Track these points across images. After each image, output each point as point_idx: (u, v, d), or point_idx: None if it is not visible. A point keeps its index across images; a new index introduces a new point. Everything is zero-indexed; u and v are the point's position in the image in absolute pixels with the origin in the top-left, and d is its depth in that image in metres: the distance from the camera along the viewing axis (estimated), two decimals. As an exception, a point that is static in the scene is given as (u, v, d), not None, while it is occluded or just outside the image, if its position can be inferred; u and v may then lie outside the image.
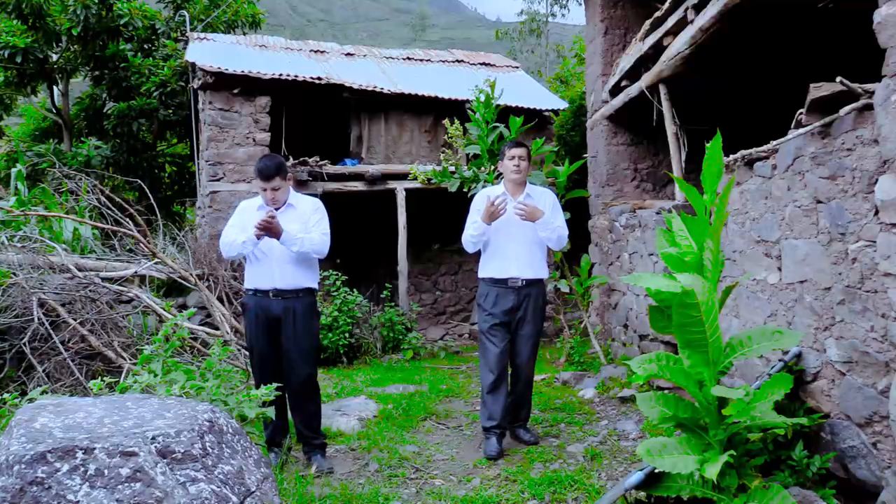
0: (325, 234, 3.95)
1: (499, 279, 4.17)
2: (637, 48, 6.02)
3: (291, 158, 9.48)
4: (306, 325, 3.93)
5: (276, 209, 3.88)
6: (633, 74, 6.34)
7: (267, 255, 3.86)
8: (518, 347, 4.22)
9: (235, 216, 4.03)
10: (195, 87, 9.67)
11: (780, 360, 3.24)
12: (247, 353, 6.36)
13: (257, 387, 3.76)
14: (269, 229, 3.68)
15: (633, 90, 6.30)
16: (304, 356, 3.91)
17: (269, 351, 3.92)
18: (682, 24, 5.02)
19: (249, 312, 3.95)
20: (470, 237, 4.22)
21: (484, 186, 5.99)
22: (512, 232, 4.13)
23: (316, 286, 4.04)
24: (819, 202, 3.03)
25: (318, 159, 9.23)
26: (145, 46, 13.13)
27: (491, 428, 4.11)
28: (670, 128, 5.69)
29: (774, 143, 3.41)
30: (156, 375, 3.34)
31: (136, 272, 7.09)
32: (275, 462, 3.81)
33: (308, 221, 3.93)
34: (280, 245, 3.80)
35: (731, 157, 3.77)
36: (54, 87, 13.50)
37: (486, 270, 4.25)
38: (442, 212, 10.45)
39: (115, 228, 7.10)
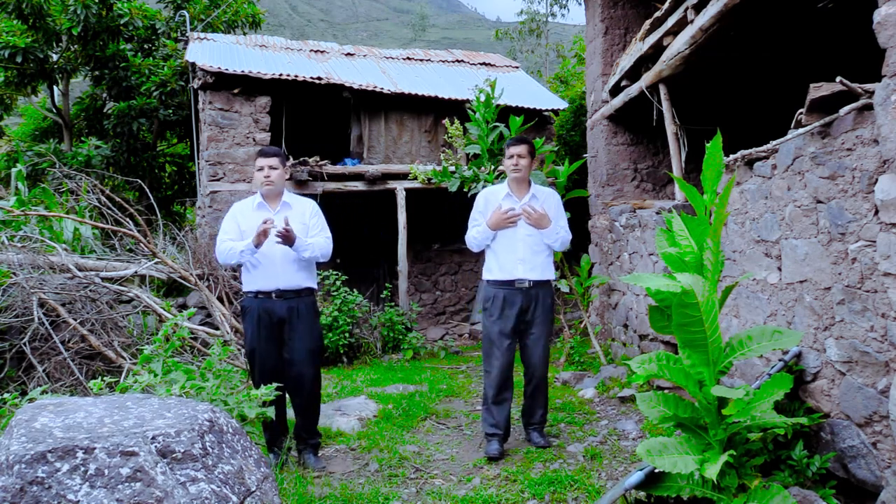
0: (329, 238, 4.02)
1: (505, 281, 4.08)
2: (637, 48, 6.02)
3: (291, 158, 9.49)
4: (311, 325, 3.95)
5: (274, 208, 3.90)
6: (633, 74, 6.34)
7: (269, 258, 3.84)
8: (529, 349, 4.13)
9: (229, 221, 3.96)
10: (195, 87, 9.67)
11: (780, 360, 3.24)
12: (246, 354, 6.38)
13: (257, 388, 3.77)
14: (287, 237, 3.72)
15: (633, 90, 6.30)
16: (310, 356, 3.93)
17: (272, 353, 3.89)
18: (682, 24, 5.02)
19: (251, 315, 3.88)
20: (474, 239, 4.20)
21: (484, 186, 5.98)
22: (517, 233, 4.07)
23: (315, 286, 4.06)
24: (819, 202, 3.03)
25: (318, 159, 9.24)
26: (145, 46, 13.13)
27: (493, 434, 4.08)
28: (670, 128, 5.69)
29: (774, 143, 3.41)
30: (156, 375, 3.34)
31: (136, 272, 7.09)
32: (275, 462, 3.81)
33: (307, 223, 3.96)
34: (282, 247, 3.80)
35: (731, 157, 3.77)
36: (54, 87, 13.49)
37: (491, 272, 4.16)
38: (442, 212, 10.46)
39: (115, 228, 7.10)
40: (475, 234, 4.17)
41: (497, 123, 6.21)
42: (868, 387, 2.73)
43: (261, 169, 3.91)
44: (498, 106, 6.23)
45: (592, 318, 7.24)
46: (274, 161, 3.91)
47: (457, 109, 9.29)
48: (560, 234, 4.16)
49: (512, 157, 4.14)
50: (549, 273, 4.17)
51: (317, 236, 3.96)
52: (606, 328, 7.03)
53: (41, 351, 5.34)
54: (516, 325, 4.07)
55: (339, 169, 9.35)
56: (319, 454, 4.07)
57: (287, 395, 4.00)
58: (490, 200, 4.20)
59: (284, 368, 3.94)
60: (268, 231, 3.70)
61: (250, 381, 4.14)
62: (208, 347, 5.84)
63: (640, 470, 2.80)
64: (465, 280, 11.29)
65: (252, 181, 3.89)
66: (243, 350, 4.00)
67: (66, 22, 11.75)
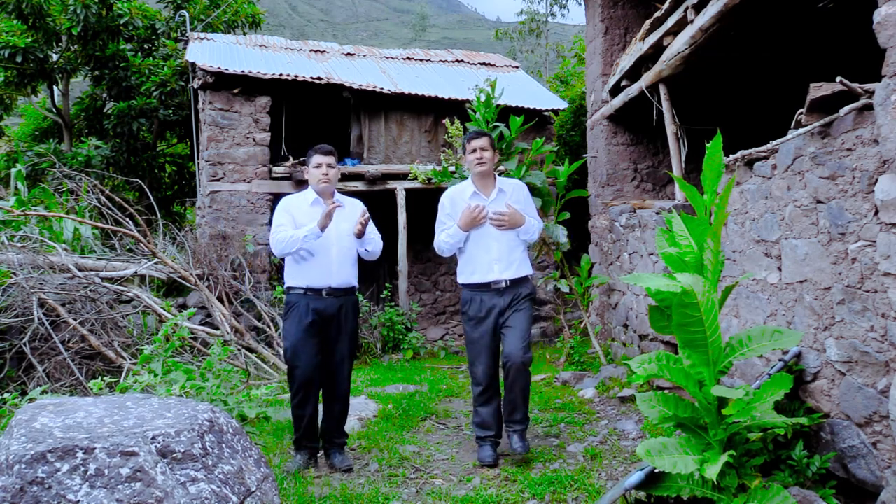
0: (381, 239, 4.08)
1: (482, 283, 3.91)
2: (637, 48, 6.02)
3: (291, 158, 9.48)
4: (355, 325, 3.98)
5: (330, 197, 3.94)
6: (633, 74, 6.34)
7: (325, 254, 3.81)
8: (506, 335, 3.88)
9: (282, 214, 3.88)
10: (195, 87, 9.67)
11: (780, 360, 3.24)
12: (247, 352, 6.38)
13: (296, 388, 3.75)
14: (364, 226, 3.81)
15: (633, 90, 6.30)
16: (349, 356, 3.94)
17: (313, 352, 3.81)
18: (682, 24, 5.02)
19: (297, 311, 3.79)
20: (445, 243, 3.99)
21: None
22: (490, 232, 3.90)
23: (358, 285, 4.07)
24: (819, 202, 3.03)
25: (318, 159, 9.23)
26: (145, 46, 13.13)
27: (485, 437, 3.96)
28: (670, 128, 5.69)
29: (774, 143, 3.41)
30: (156, 375, 3.35)
31: (136, 272, 7.09)
32: (301, 463, 3.76)
33: (355, 223, 3.94)
34: (338, 243, 3.83)
35: (731, 157, 3.77)
36: (54, 87, 13.50)
37: (466, 276, 3.98)
38: (442, 212, 10.44)
39: (115, 228, 7.11)
40: (445, 238, 3.97)
41: (497, 123, 6.21)
42: (868, 387, 2.73)
43: (318, 166, 3.92)
44: (498, 106, 6.23)
45: (592, 318, 7.24)
46: (332, 159, 3.95)
47: (457, 109, 9.29)
48: (534, 225, 4.01)
49: (475, 150, 3.95)
50: (525, 269, 3.98)
51: (372, 234, 4.02)
52: (606, 328, 7.03)
53: (41, 351, 5.34)
54: (497, 325, 3.92)
55: (338, 169, 9.34)
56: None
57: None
58: (456, 201, 4.01)
59: (322, 368, 3.89)
60: (332, 213, 3.71)
61: (251, 381, 4.13)
62: (208, 347, 5.84)
63: (640, 470, 2.80)
64: (465, 280, 11.28)
65: (309, 178, 3.95)
66: (283, 349, 3.92)
67: (66, 22, 11.74)
